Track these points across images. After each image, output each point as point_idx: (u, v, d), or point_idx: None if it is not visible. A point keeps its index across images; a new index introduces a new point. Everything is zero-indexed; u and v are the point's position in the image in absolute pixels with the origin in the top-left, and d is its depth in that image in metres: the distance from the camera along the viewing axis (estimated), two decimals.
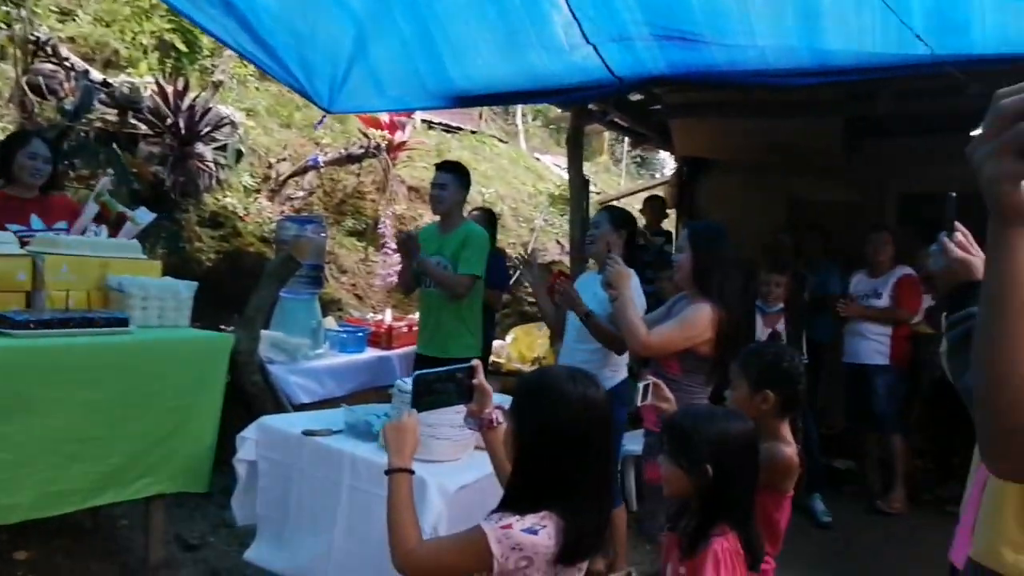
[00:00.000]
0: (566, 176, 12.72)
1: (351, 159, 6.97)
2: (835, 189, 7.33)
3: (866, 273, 5.07)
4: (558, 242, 9.86)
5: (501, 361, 5.61)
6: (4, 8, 5.89)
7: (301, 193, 7.26)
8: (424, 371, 1.78)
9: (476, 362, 1.82)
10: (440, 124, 11.25)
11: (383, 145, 6.95)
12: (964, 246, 1.55)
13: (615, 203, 8.78)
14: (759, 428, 1.92)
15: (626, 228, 3.60)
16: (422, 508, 2.36)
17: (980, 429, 0.95)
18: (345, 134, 8.28)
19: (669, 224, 7.20)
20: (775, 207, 7.41)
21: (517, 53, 4.16)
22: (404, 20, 4.01)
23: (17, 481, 2.55)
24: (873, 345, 4.84)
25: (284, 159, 7.50)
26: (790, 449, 2.07)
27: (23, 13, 5.62)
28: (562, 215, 10.66)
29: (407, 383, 2.75)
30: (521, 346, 5.73)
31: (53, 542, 3.23)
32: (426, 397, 1.75)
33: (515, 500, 1.50)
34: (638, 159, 22.33)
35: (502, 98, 5.90)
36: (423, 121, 10.43)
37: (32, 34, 5.74)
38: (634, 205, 10.76)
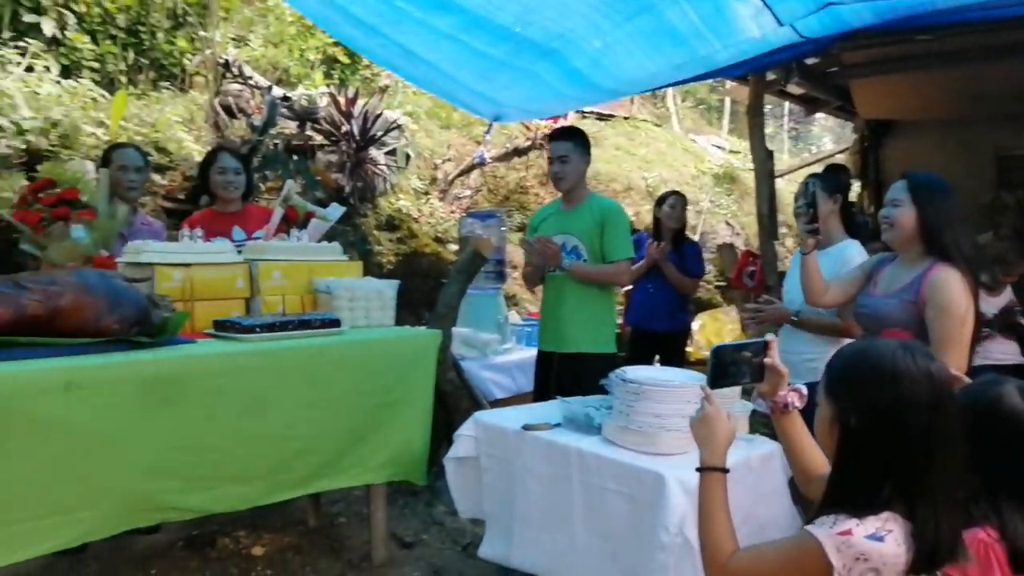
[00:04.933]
0: (723, 156, 12.22)
1: (517, 153, 6.91)
2: None
3: None
4: (727, 223, 9.41)
5: (690, 350, 5.34)
6: (200, 33, 6.30)
7: (468, 192, 7.31)
8: (724, 343, 1.61)
9: (771, 337, 1.62)
10: (592, 113, 11.07)
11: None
12: None
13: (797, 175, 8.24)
14: None
15: (840, 192, 3.27)
16: (662, 507, 2.19)
17: None
18: (505, 130, 8.28)
19: (852, 196, 6.59)
20: (980, 165, 6.64)
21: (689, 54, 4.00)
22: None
23: (249, 473, 2.64)
24: None
25: (448, 159, 7.58)
26: None
27: (217, 36, 5.96)
28: (728, 195, 10.20)
29: (628, 373, 2.59)
30: (709, 333, 5.44)
31: (282, 540, 3.35)
32: (723, 374, 1.58)
33: (845, 499, 1.27)
34: (793, 133, 21.09)
35: (675, 83, 5.65)
36: (575, 112, 10.28)
37: (221, 57, 6.10)
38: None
